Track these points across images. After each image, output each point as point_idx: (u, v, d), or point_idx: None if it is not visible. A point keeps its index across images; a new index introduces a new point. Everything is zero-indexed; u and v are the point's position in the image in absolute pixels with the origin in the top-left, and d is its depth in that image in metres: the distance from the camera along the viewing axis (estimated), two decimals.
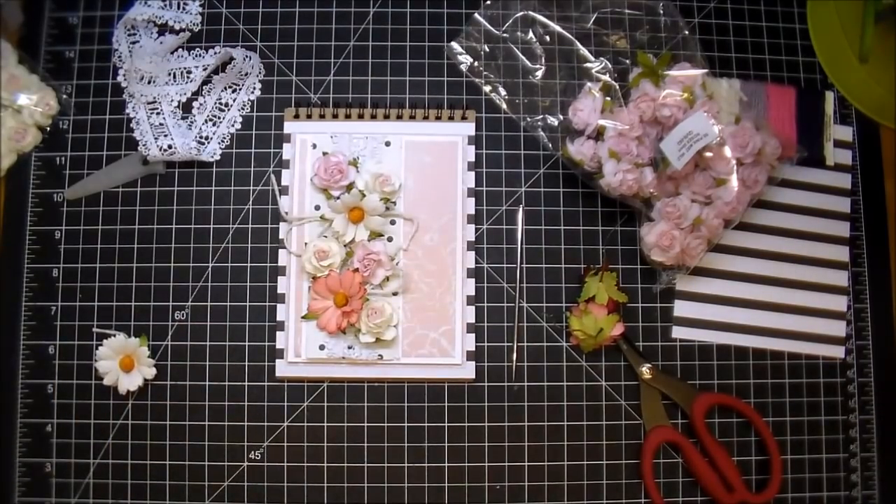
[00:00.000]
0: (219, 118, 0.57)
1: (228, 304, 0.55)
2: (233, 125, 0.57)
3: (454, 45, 0.58)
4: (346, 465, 0.54)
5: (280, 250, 0.55)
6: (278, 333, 0.54)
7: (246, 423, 0.54)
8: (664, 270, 0.55)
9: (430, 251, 0.55)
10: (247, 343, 0.55)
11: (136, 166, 0.57)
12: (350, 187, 0.55)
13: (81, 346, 0.55)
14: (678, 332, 0.56)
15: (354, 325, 0.53)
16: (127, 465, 0.53)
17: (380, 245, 0.54)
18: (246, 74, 0.58)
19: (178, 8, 0.58)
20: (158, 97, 0.57)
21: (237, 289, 0.55)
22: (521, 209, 0.57)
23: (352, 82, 0.58)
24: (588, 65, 0.57)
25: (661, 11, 0.58)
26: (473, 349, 0.55)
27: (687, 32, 0.57)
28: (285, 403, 0.54)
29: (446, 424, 0.54)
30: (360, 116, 0.57)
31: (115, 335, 0.54)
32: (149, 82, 0.57)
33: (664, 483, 0.54)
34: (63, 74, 0.58)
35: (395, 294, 0.54)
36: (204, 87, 0.57)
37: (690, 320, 0.56)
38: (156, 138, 0.56)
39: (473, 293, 0.55)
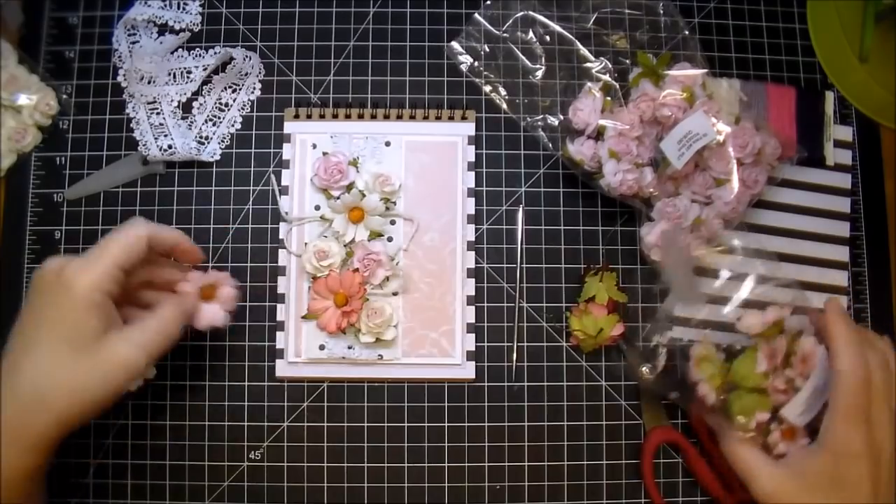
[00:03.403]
0: (219, 118, 0.57)
1: None
2: (233, 125, 0.57)
3: (454, 45, 0.58)
4: (346, 465, 0.54)
5: (280, 250, 0.55)
6: (278, 333, 0.54)
7: (246, 423, 0.54)
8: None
9: (430, 251, 0.55)
10: (247, 343, 0.55)
11: (136, 166, 0.57)
12: (350, 187, 0.55)
13: None
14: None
15: (354, 325, 0.53)
16: (127, 465, 0.53)
17: (380, 245, 0.54)
18: (246, 74, 0.58)
19: (178, 8, 0.58)
20: (158, 97, 0.57)
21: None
22: (521, 209, 0.57)
23: (352, 82, 0.58)
24: (588, 65, 0.57)
25: (661, 11, 0.58)
26: (473, 349, 0.55)
27: (687, 32, 0.58)
28: (285, 403, 0.54)
29: (446, 424, 0.54)
30: (360, 116, 0.57)
31: None
32: (149, 82, 0.57)
33: (664, 483, 0.54)
34: (63, 74, 0.58)
35: (395, 294, 0.54)
36: (204, 87, 0.57)
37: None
38: (156, 138, 0.56)
39: (473, 293, 0.55)
